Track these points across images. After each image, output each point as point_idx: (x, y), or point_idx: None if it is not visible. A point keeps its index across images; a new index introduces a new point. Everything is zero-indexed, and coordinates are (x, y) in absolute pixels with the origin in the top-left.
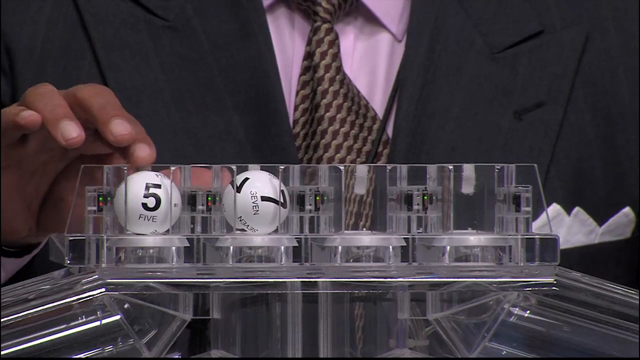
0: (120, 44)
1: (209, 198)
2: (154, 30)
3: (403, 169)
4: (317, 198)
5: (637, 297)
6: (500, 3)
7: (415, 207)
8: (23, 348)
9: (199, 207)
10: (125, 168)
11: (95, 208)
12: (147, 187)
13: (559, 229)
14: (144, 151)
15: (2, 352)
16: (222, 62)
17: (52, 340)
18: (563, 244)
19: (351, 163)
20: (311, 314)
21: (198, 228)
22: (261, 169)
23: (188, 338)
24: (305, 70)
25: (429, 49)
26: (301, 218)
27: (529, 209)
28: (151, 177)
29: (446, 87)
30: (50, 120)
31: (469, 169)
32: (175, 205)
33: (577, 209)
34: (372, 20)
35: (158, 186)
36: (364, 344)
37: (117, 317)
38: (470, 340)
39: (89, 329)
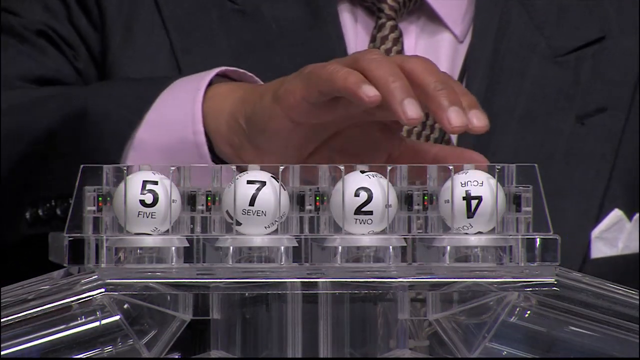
0: (190, 26)
1: (209, 198)
2: (223, 12)
3: (403, 169)
4: (317, 198)
5: (637, 297)
6: (562, 8)
7: (415, 207)
8: (23, 348)
9: (199, 207)
10: (125, 168)
11: (94, 208)
12: (144, 185)
13: (619, 235)
14: (482, 121)
15: (2, 352)
16: (291, 49)
17: (51, 340)
18: (623, 250)
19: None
20: (311, 314)
21: (198, 228)
22: (261, 169)
23: (188, 338)
24: None
25: (493, 50)
26: (301, 218)
27: (529, 209)
28: (148, 175)
29: (510, 89)
30: (392, 94)
31: (469, 169)
32: (174, 201)
33: (637, 215)
34: (434, 19)
35: (155, 183)
36: (364, 344)
37: (117, 317)
38: (471, 341)
39: (88, 329)
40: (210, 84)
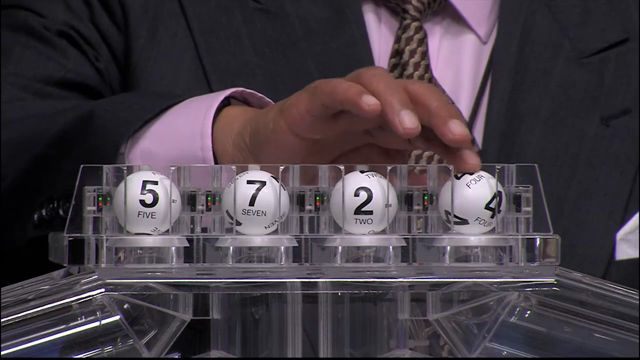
0: (215, 26)
1: (209, 198)
2: (247, 12)
3: (403, 169)
4: (317, 198)
5: (637, 297)
6: (586, 9)
7: (415, 207)
8: (23, 348)
9: (199, 207)
10: (125, 168)
11: (94, 208)
12: (144, 185)
13: None
14: (475, 159)
15: (2, 352)
16: (316, 48)
17: (51, 340)
18: None
19: (439, 163)
20: (311, 314)
21: (198, 228)
22: (261, 169)
23: (188, 338)
24: (393, 67)
25: (518, 51)
26: (301, 218)
27: (529, 209)
28: (148, 175)
29: (535, 90)
30: (391, 105)
31: None
32: (174, 201)
33: None
34: (458, 20)
35: (155, 183)
36: (364, 344)
37: (117, 317)
38: (471, 341)
39: (88, 329)
40: (226, 104)
